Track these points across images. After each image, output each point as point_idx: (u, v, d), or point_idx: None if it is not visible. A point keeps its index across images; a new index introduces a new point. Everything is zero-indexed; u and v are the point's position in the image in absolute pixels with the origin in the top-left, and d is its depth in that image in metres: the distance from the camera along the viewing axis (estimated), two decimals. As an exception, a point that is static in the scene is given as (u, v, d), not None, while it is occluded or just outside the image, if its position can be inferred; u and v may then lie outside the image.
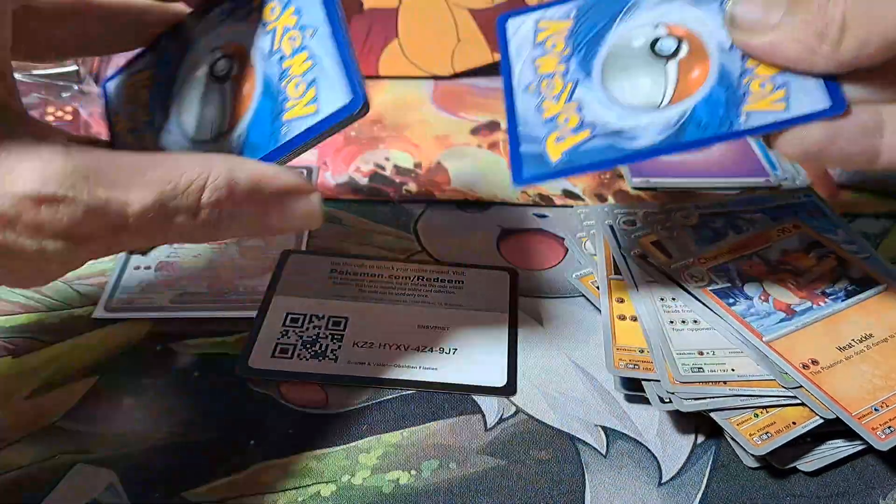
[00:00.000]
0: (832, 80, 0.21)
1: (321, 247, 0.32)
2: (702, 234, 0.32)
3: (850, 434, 0.24)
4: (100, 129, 0.37)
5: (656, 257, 0.30)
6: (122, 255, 0.31)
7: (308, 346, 0.27)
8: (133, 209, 0.18)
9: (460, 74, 0.43)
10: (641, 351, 0.27)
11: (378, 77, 0.43)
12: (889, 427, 0.24)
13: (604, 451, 0.25)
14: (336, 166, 0.37)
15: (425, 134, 0.39)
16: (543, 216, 0.34)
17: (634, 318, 0.28)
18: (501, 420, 0.26)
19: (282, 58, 0.22)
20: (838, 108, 0.20)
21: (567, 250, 0.33)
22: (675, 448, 0.25)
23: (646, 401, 0.26)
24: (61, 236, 0.17)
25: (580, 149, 0.22)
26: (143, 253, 0.22)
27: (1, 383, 0.26)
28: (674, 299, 0.29)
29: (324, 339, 0.28)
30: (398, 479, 0.24)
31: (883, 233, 0.34)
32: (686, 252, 0.31)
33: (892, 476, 0.24)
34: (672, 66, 0.22)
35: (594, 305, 0.30)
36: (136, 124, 0.24)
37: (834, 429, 0.24)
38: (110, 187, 0.18)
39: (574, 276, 0.31)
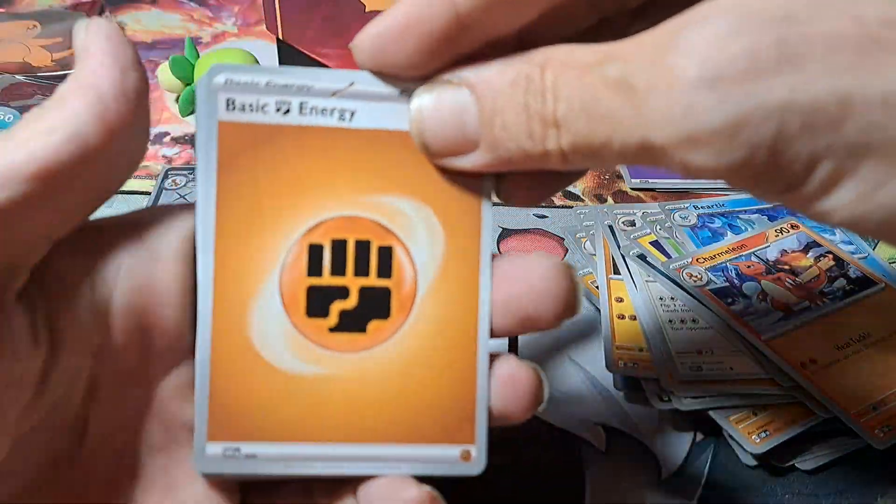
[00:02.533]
0: None
1: (323, 247, 0.33)
2: (700, 234, 0.32)
3: (848, 433, 0.24)
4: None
5: (655, 257, 0.31)
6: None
7: (310, 345, 0.27)
8: None
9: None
10: (641, 350, 0.27)
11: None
12: (887, 426, 0.24)
13: (603, 450, 0.25)
14: (337, 167, 0.37)
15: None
16: (543, 216, 0.35)
17: (634, 318, 0.28)
18: (501, 418, 0.26)
19: None
20: None
21: (566, 250, 0.33)
22: (674, 446, 0.25)
23: (645, 399, 0.26)
24: None
25: None
26: None
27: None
28: (673, 299, 0.29)
29: (325, 339, 0.28)
30: (399, 477, 0.24)
31: (881, 233, 0.34)
32: (685, 252, 0.31)
33: (889, 475, 0.24)
34: None
35: (594, 305, 0.30)
36: None
37: (832, 427, 0.25)
38: None
39: (574, 276, 0.31)
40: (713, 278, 0.29)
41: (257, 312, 0.17)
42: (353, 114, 0.17)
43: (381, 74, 0.16)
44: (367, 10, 0.41)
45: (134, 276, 0.15)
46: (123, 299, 0.15)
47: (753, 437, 0.24)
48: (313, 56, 0.42)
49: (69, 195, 0.14)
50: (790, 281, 0.29)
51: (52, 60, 0.39)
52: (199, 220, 0.16)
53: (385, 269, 0.17)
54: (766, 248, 0.31)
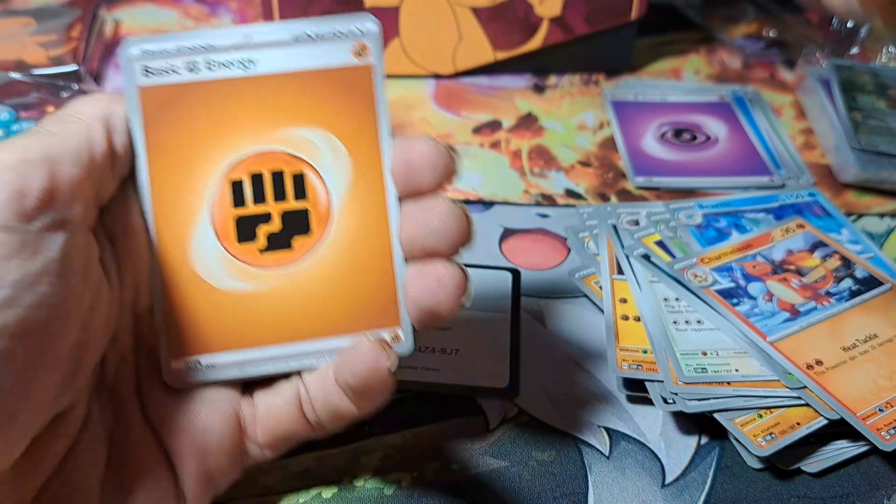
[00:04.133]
0: None
1: (322, 247, 0.32)
2: (705, 233, 0.32)
3: (854, 435, 0.24)
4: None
5: (660, 257, 0.30)
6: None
7: (309, 346, 0.27)
8: None
9: (462, 73, 0.43)
10: (645, 351, 0.27)
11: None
12: (894, 428, 0.24)
13: (607, 453, 0.25)
14: (337, 166, 0.37)
15: (427, 133, 0.39)
16: (546, 216, 0.34)
17: (638, 319, 0.28)
18: (504, 421, 0.26)
19: None
20: None
21: (569, 250, 0.33)
22: (678, 449, 0.25)
23: (649, 402, 0.26)
24: None
25: None
26: None
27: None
28: (677, 299, 0.28)
29: (325, 340, 0.28)
30: (400, 481, 0.24)
31: (887, 232, 0.34)
32: (689, 252, 0.31)
33: (897, 477, 0.24)
34: None
35: (597, 306, 0.30)
36: None
37: (838, 429, 0.24)
38: None
39: (577, 276, 0.31)
40: (718, 279, 0.29)
41: (196, 245, 0.20)
42: (253, 63, 0.19)
43: (274, 24, 0.19)
44: (365, 6, 0.41)
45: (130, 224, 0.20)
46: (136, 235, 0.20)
47: (759, 439, 0.24)
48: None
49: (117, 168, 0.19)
50: (796, 281, 0.29)
51: (47, 58, 0.39)
52: (137, 175, 0.19)
53: (300, 192, 0.20)
54: (771, 247, 0.31)
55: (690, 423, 0.25)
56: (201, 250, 0.20)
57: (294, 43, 0.19)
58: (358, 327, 0.20)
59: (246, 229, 0.20)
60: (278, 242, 0.20)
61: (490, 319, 0.29)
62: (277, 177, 0.20)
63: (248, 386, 0.21)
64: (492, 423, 0.25)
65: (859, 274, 0.29)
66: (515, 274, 0.31)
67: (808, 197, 0.34)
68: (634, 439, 0.25)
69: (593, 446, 0.25)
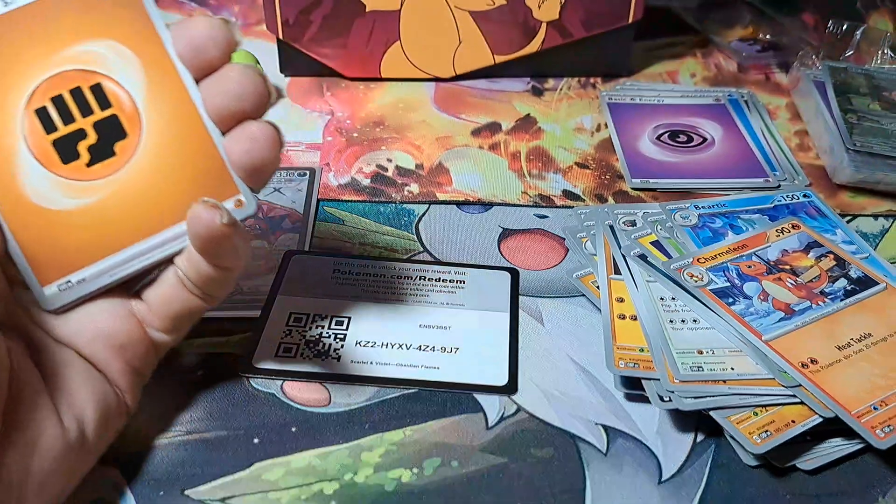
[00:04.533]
0: None
1: (324, 247, 0.33)
2: (701, 234, 0.32)
3: (849, 433, 0.24)
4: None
5: (656, 257, 0.31)
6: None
7: (311, 345, 0.28)
8: None
9: (461, 76, 0.43)
10: (641, 350, 0.27)
11: (380, 79, 0.43)
12: (888, 426, 0.24)
13: (604, 450, 0.25)
14: (338, 167, 0.37)
15: (427, 135, 0.40)
16: (544, 216, 0.35)
17: (634, 318, 0.28)
18: (503, 418, 0.26)
19: None
20: None
21: (567, 250, 0.33)
22: (674, 446, 0.25)
23: (646, 399, 0.26)
24: None
25: None
26: None
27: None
28: (674, 299, 0.29)
29: (327, 339, 0.28)
30: (400, 478, 0.24)
31: (881, 232, 0.34)
32: (685, 252, 0.31)
33: (891, 474, 0.24)
34: None
35: (594, 305, 0.30)
36: None
37: (833, 427, 0.25)
38: None
39: (574, 275, 0.31)
40: (714, 278, 0.29)
41: (25, 178, 0.21)
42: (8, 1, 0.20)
43: None
44: (367, 9, 0.41)
45: None
46: None
47: (754, 437, 0.24)
48: (313, 56, 0.42)
49: None
50: (791, 281, 0.29)
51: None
52: None
53: (104, 102, 0.21)
54: (766, 248, 0.31)
55: (687, 420, 0.26)
56: (32, 182, 0.21)
57: None
58: None
59: (66, 150, 0.21)
60: (101, 153, 0.21)
61: (489, 318, 0.29)
62: (77, 93, 0.21)
63: (129, 285, 0.23)
64: (491, 420, 0.26)
65: (854, 274, 0.30)
66: (514, 274, 0.31)
67: (803, 198, 0.35)
68: (631, 437, 0.25)
69: (591, 443, 0.25)
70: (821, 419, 0.24)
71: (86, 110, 0.21)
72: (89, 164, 0.21)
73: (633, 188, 0.36)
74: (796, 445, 0.24)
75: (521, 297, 0.30)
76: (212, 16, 0.21)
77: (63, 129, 0.21)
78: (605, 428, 0.26)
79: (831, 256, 0.30)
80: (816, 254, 0.31)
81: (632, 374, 0.26)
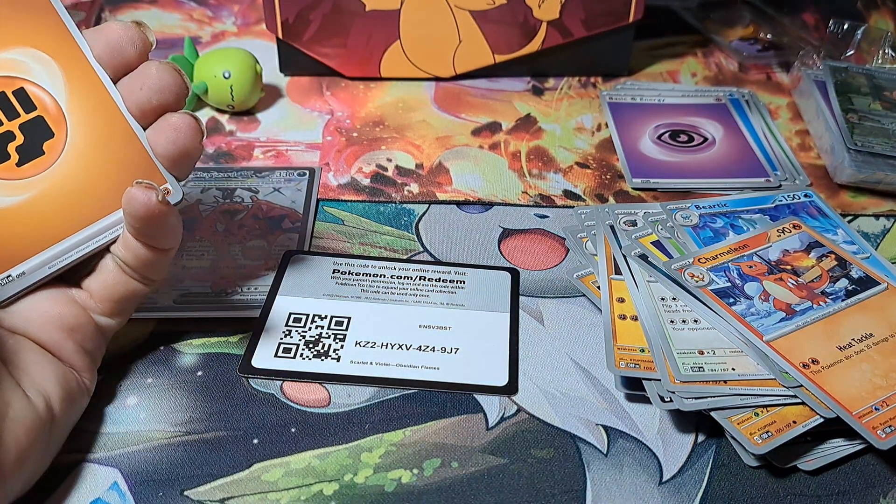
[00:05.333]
0: None
1: (323, 247, 0.33)
2: (702, 234, 0.32)
3: (850, 433, 0.24)
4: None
5: (657, 257, 0.31)
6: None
7: (311, 345, 0.28)
8: None
9: (461, 76, 0.43)
10: (642, 350, 0.27)
11: (380, 79, 0.43)
12: (889, 426, 0.24)
13: (605, 450, 0.25)
14: (338, 167, 0.37)
15: (427, 135, 0.40)
16: (544, 216, 0.35)
17: (635, 318, 0.28)
18: (503, 419, 0.26)
19: None
20: None
21: (568, 250, 0.33)
22: (675, 447, 0.25)
23: (646, 400, 0.26)
24: None
25: None
26: None
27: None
28: (674, 299, 0.29)
29: (326, 339, 0.28)
30: (400, 478, 0.24)
31: (882, 232, 0.34)
32: (686, 252, 0.31)
33: (892, 475, 0.24)
34: None
35: (595, 305, 0.30)
36: None
37: (834, 428, 0.25)
38: None
39: (575, 275, 0.31)
40: (715, 278, 0.29)
41: None
42: None
43: None
44: (367, 9, 0.41)
45: None
46: None
47: (755, 437, 0.24)
48: (313, 55, 0.42)
49: None
50: (792, 281, 0.29)
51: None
52: None
53: (28, 105, 0.23)
54: (767, 248, 0.31)
55: (687, 421, 0.26)
56: None
57: None
58: None
59: None
60: (30, 152, 0.23)
61: (489, 319, 0.29)
62: (1, 98, 0.22)
63: (68, 275, 0.24)
64: (491, 421, 0.26)
65: (855, 274, 0.30)
66: (514, 274, 0.31)
67: (804, 198, 0.34)
68: (632, 437, 0.25)
69: (591, 444, 0.25)
70: (822, 420, 0.24)
71: (11, 114, 0.22)
72: (19, 164, 0.23)
73: (633, 188, 0.36)
74: (797, 446, 0.24)
75: (521, 298, 0.30)
76: (123, 20, 0.23)
77: None
78: (606, 428, 0.26)
79: (832, 256, 0.30)
80: (817, 254, 0.31)
81: (632, 374, 0.26)
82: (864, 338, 0.27)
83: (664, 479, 0.24)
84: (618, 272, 0.30)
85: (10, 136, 0.22)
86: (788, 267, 0.30)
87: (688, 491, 0.24)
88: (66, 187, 0.23)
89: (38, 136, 0.23)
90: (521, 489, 0.24)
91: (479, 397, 0.26)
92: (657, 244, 0.31)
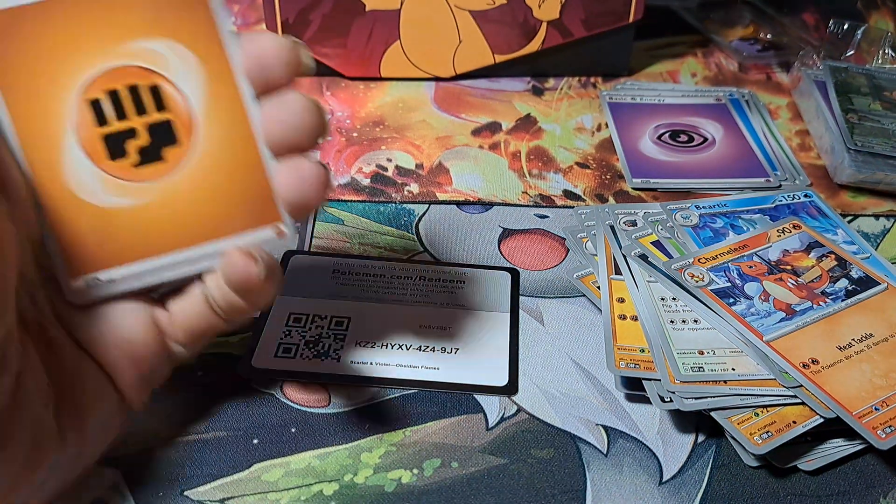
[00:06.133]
0: None
1: (323, 247, 0.33)
2: (702, 234, 0.32)
3: (850, 433, 0.24)
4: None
5: (657, 257, 0.31)
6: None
7: (311, 345, 0.28)
8: None
9: (461, 76, 0.43)
10: (642, 350, 0.27)
11: (380, 79, 0.43)
12: (889, 426, 0.24)
13: (605, 451, 0.25)
14: (338, 167, 0.37)
15: (427, 135, 0.40)
16: (544, 216, 0.35)
17: (635, 318, 0.28)
18: (503, 419, 0.26)
19: None
20: None
21: (568, 250, 0.33)
22: (675, 447, 0.25)
23: (646, 400, 0.26)
24: None
25: None
26: None
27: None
28: (674, 299, 0.29)
29: (326, 339, 0.28)
30: (400, 478, 0.24)
31: (882, 233, 0.34)
32: (686, 252, 0.31)
33: (892, 475, 0.24)
34: None
35: (595, 305, 0.30)
36: None
37: (834, 428, 0.25)
38: None
39: (575, 276, 0.31)
40: (715, 278, 0.29)
41: (70, 168, 0.20)
42: None
43: None
44: (367, 9, 0.41)
45: None
46: None
47: (755, 437, 0.24)
48: (313, 55, 0.42)
49: None
50: (792, 281, 0.29)
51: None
52: None
53: (160, 104, 0.20)
54: (768, 248, 0.31)
55: (687, 421, 0.26)
56: (76, 172, 0.20)
57: None
58: (242, 227, 0.21)
59: (115, 146, 0.20)
60: (150, 156, 0.21)
61: (489, 319, 0.29)
62: (134, 91, 0.20)
63: (161, 296, 0.22)
64: (491, 421, 0.26)
65: (855, 274, 0.30)
66: (514, 274, 0.31)
67: (804, 198, 0.34)
68: (632, 437, 0.25)
69: (591, 444, 0.25)
70: (822, 420, 0.24)
71: (141, 110, 0.20)
72: (136, 166, 0.21)
73: (633, 188, 0.36)
74: (797, 446, 0.24)
75: (521, 298, 0.30)
76: (280, 35, 0.21)
77: (115, 125, 0.20)
78: (606, 428, 0.26)
79: (832, 256, 0.30)
80: (817, 254, 0.31)
81: (632, 374, 0.26)
82: (864, 338, 0.27)
83: (664, 480, 0.24)
84: (618, 272, 0.30)
85: (133, 133, 0.20)
86: (788, 267, 0.30)
87: (688, 491, 0.24)
88: (177, 202, 0.21)
89: (162, 141, 0.21)
90: (522, 489, 0.24)
91: (479, 397, 0.26)
92: (657, 244, 0.31)
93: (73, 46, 0.20)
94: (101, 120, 0.20)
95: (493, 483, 0.24)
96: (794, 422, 0.24)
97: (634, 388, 0.26)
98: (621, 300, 0.29)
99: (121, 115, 0.20)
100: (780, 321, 0.27)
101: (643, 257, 0.31)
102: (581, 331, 0.29)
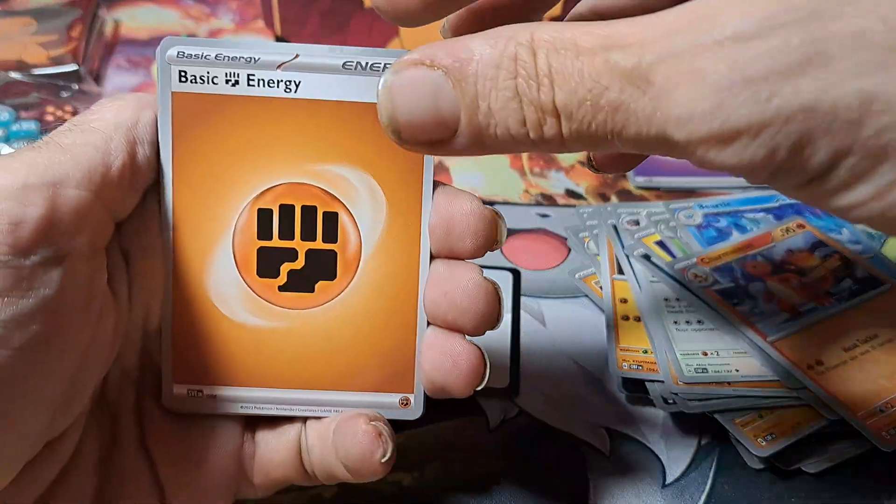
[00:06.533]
0: None
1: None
2: (705, 233, 0.32)
3: (855, 435, 0.24)
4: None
5: (660, 257, 0.30)
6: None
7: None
8: None
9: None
10: (645, 352, 0.27)
11: (379, 76, 0.43)
12: (894, 428, 0.24)
13: (607, 453, 0.25)
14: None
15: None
16: (546, 216, 0.34)
17: (638, 319, 0.28)
18: (504, 421, 0.26)
19: None
20: None
21: (570, 250, 0.33)
22: (678, 450, 0.25)
23: (650, 402, 0.26)
24: None
25: None
26: None
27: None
28: (678, 299, 0.28)
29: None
30: (401, 481, 0.24)
31: (887, 232, 0.34)
32: (690, 252, 0.31)
33: (897, 477, 0.24)
34: None
35: (597, 306, 0.30)
36: None
37: (839, 430, 0.24)
38: None
39: (577, 276, 0.31)
40: (719, 279, 0.29)
41: (214, 271, 0.19)
42: (297, 84, 0.18)
43: (325, 47, 0.18)
44: (365, 5, 0.41)
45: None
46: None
47: (759, 439, 0.24)
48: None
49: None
50: (796, 281, 0.29)
51: (47, 58, 0.39)
52: (161, 188, 0.18)
53: (331, 234, 0.19)
54: (772, 247, 0.31)
55: (691, 423, 0.25)
56: (219, 277, 0.19)
57: (343, 70, 0.18)
58: (368, 386, 0.19)
59: (268, 263, 0.19)
60: (300, 283, 0.19)
61: (490, 320, 0.29)
62: (308, 212, 0.19)
63: (251, 420, 0.20)
64: (492, 423, 0.25)
65: (859, 274, 0.29)
66: (516, 274, 0.31)
67: (809, 197, 0.34)
68: (635, 440, 0.25)
69: (594, 446, 0.25)
70: (826, 422, 0.24)
71: (309, 234, 0.19)
72: (282, 289, 0.19)
73: (636, 187, 0.36)
74: (801, 448, 0.24)
75: (522, 298, 0.30)
76: (482, 203, 0.18)
77: (276, 242, 0.19)
78: (608, 431, 0.25)
79: (837, 256, 0.30)
80: (822, 254, 0.30)
81: (635, 376, 0.26)
82: (869, 339, 0.27)
83: (667, 482, 0.24)
84: (620, 272, 0.30)
85: (290, 254, 0.19)
86: (793, 267, 0.30)
87: (691, 494, 0.24)
88: (311, 337, 0.19)
89: (318, 272, 0.19)
90: (523, 492, 0.23)
91: (480, 400, 0.26)
92: (660, 244, 0.31)
93: (266, 150, 0.18)
94: (265, 233, 0.19)
95: (494, 486, 0.24)
96: (799, 424, 0.24)
97: (637, 390, 0.26)
98: (624, 301, 0.29)
99: (286, 233, 0.19)
100: (785, 322, 0.27)
101: (646, 257, 0.30)
102: (583, 332, 0.29)
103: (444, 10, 0.16)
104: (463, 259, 0.19)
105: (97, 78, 0.41)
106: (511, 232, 0.33)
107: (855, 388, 0.25)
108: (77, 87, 0.38)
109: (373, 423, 0.18)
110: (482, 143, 0.14)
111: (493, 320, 0.18)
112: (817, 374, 0.25)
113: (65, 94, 0.37)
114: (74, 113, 0.37)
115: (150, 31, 0.46)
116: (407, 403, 0.20)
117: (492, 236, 0.18)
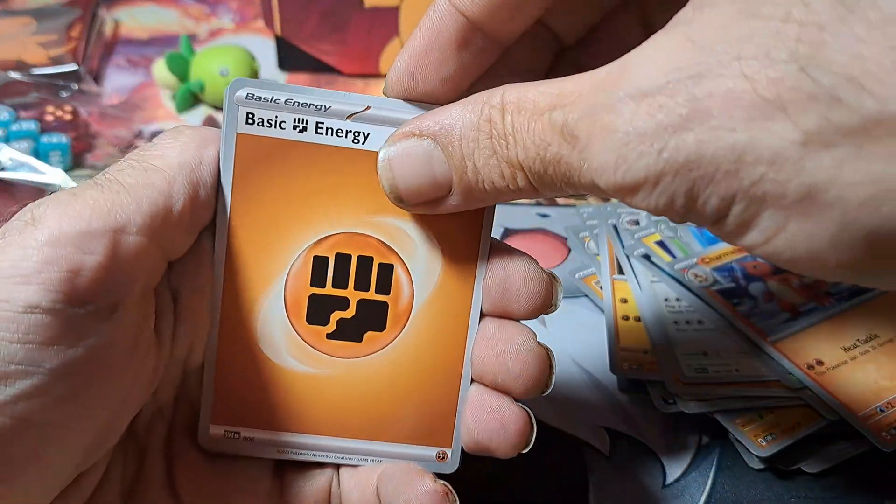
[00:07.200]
0: None
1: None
2: (706, 233, 0.32)
3: (855, 435, 0.24)
4: (99, 129, 0.37)
5: (660, 257, 0.30)
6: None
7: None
8: None
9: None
10: (645, 352, 0.27)
11: (379, 75, 0.43)
12: (894, 428, 0.24)
13: (607, 453, 0.25)
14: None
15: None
16: (546, 215, 0.34)
17: (638, 319, 0.28)
18: (505, 422, 0.26)
19: None
20: None
21: (570, 250, 0.33)
22: (679, 450, 0.25)
23: (650, 402, 0.25)
24: None
25: None
26: None
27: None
28: (678, 299, 0.28)
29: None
30: (401, 482, 0.24)
31: (888, 231, 0.34)
32: (690, 252, 0.31)
33: (897, 477, 0.24)
34: None
35: (597, 306, 0.30)
36: None
37: (839, 430, 0.24)
38: None
39: (577, 276, 0.31)
40: (719, 279, 0.29)
41: (263, 314, 0.18)
42: (366, 136, 0.18)
43: (398, 101, 0.17)
44: (365, 5, 0.41)
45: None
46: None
47: (759, 440, 0.24)
48: (312, 52, 0.42)
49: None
50: (797, 281, 0.29)
51: (47, 57, 0.39)
52: (216, 226, 0.18)
53: (384, 285, 0.19)
54: (771, 247, 0.31)
55: (691, 423, 0.25)
56: (267, 321, 0.18)
57: None
58: (407, 438, 0.19)
59: (318, 311, 0.19)
60: (348, 332, 0.19)
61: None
62: (364, 263, 0.18)
63: (280, 463, 0.20)
64: (493, 423, 0.25)
65: (860, 274, 0.29)
66: (516, 274, 0.31)
67: (809, 196, 0.34)
68: (635, 440, 0.25)
69: (594, 447, 0.25)
70: (826, 422, 0.24)
71: (362, 284, 0.18)
72: (330, 336, 0.19)
73: (635, 186, 0.36)
74: (802, 448, 0.24)
75: (522, 298, 0.30)
76: (539, 266, 0.18)
77: (328, 289, 0.18)
78: (609, 431, 0.25)
79: (837, 256, 0.30)
80: (822, 253, 0.30)
81: (636, 376, 0.26)
82: (870, 339, 0.27)
83: (668, 482, 0.24)
84: (621, 272, 0.30)
85: (342, 303, 0.18)
86: (793, 267, 0.30)
87: (691, 494, 0.24)
88: (353, 387, 0.19)
89: (368, 322, 0.19)
90: (523, 493, 0.23)
91: (481, 399, 0.26)
92: (661, 244, 0.31)
93: (327, 198, 0.18)
94: (319, 280, 0.18)
95: (494, 487, 0.24)
96: (799, 424, 0.24)
97: (637, 390, 0.26)
98: (624, 301, 0.29)
99: (340, 281, 0.18)
100: (785, 322, 0.27)
101: (646, 257, 0.30)
102: (583, 332, 0.29)
103: (471, 71, 0.17)
104: (516, 319, 0.18)
105: (97, 78, 0.41)
106: (511, 232, 0.33)
107: (855, 388, 0.25)
108: (77, 86, 0.38)
109: (441, 482, 0.18)
110: (474, 197, 0.16)
111: (542, 387, 0.18)
112: (817, 374, 0.25)
113: (64, 94, 0.37)
114: (74, 112, 0.36)
115: (150, 30, 0.45)
116: (444, 458, 0.19)
117: (548, 300, 0.18)
